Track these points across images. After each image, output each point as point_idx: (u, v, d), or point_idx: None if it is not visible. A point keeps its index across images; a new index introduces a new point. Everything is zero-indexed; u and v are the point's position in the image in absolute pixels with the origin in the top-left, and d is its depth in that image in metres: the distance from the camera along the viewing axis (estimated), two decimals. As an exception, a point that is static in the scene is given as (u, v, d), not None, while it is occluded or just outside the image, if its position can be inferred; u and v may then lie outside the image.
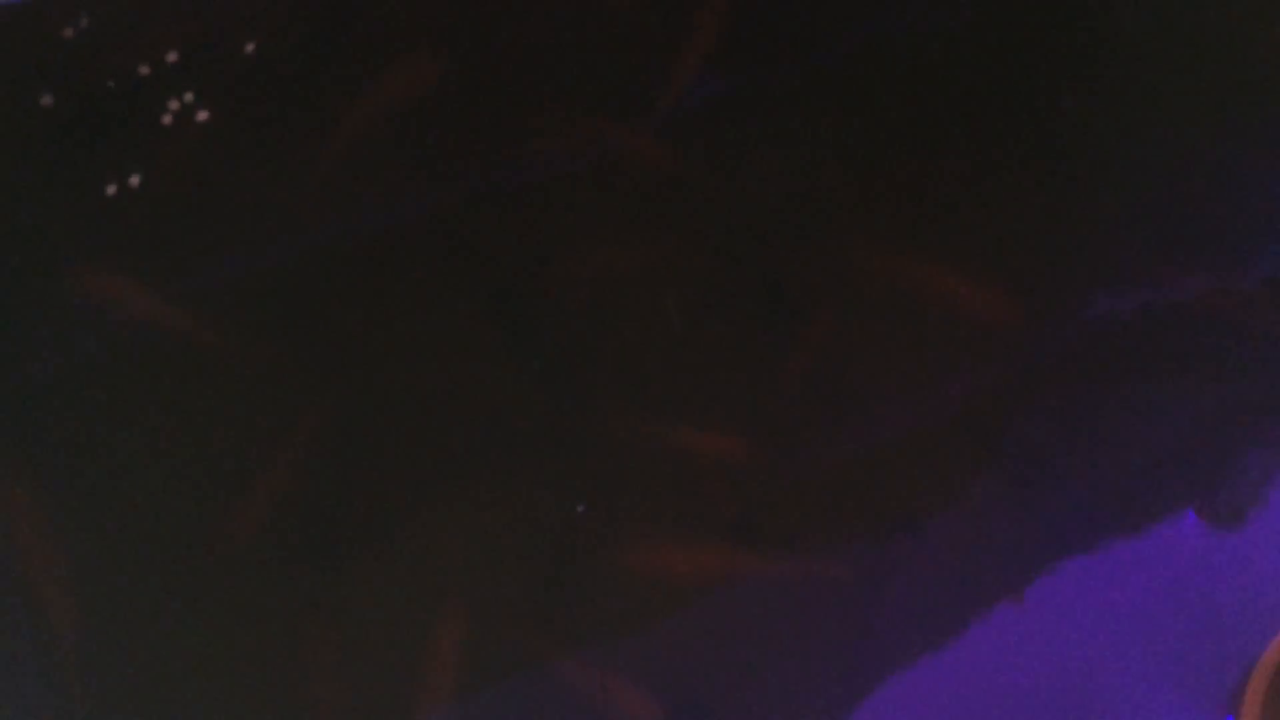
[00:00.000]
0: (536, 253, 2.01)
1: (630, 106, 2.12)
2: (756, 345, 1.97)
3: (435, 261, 2.00)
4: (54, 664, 1.70)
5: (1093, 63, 2.21)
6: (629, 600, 1.78)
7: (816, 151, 2.10)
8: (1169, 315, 2.02)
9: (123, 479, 1.82)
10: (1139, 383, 1.98)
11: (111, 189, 2.02)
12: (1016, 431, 1.92)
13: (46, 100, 2.07)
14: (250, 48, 2.15)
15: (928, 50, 2.19)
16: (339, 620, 1.76)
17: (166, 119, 2.08)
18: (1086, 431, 1.93)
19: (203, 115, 2.09)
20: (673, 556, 1.82)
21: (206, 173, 2.03)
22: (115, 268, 1.96)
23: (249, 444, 1.84)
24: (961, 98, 2.16)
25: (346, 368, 1.91)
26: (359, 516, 1.82)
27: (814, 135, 2.11)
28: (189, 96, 2.10)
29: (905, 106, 2.14)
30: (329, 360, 1.91)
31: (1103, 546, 1.87)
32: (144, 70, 2.11)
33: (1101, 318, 2.01)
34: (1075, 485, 1.90)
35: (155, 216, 2.00)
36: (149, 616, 1.74)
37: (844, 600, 1.81)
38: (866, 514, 1.86)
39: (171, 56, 2.11)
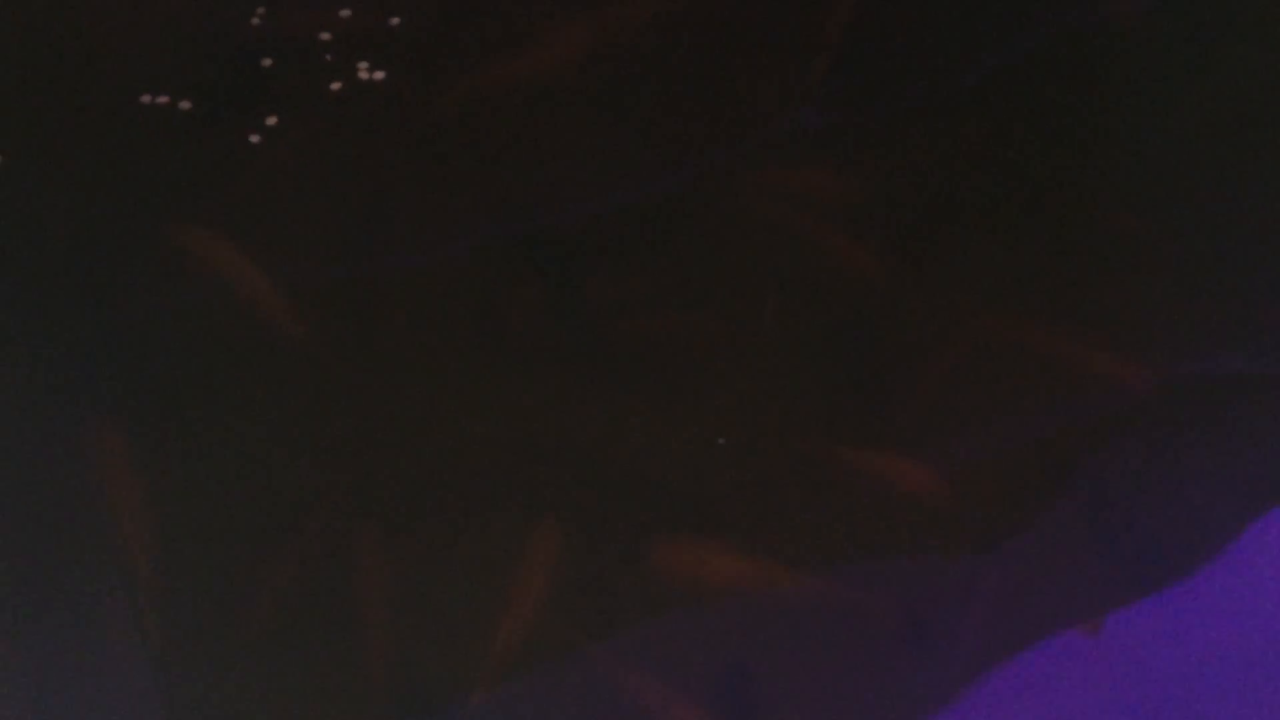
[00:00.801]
0: (634, 266, 2.05)
1: (743, 131, 2.14)
2: (838, 371, 1.97)
3: (535, 271, 2.06)
4: (132, 601, 1.82)
5: (1195, 119, 2.18)
6: (683, 609, 1.81)
7: (913, 189, 2.11)
8: (1259, 369, 1.97)
9: (208, 431, 1.93)
10: (1223, 431, 1.92)
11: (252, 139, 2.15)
12: (1094, 471, 1.88)
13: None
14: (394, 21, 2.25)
15: (1037, 91, 2.18)
16: (405, 583, 1.83)
17: (335, 84, 2.20)
18: (1165, 475, 1.88)
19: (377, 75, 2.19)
20: (725, 570, 1.83)
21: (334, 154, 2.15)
22: (234, 239, 2.08)
23: (318, 426, 1.93)
24: (1057, 143, 2.15)
25: (421, 372, 1.99)
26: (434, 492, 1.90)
27: (914, 172, 2.12)
28: (364, 67, 2.21)
29: (1002, 146, 2.14)
30: (406, 362, 1.99)
31: (1175, 585, 1.81)
32: (323, 36, 2.24)
33: (1189, 366, 1.97)
34: (1150, 526, 1.85)
35: (279, 197, 2.12)
36: (221, 563, 1.84)
37: (911, 623, 1.79)
38: (937, 540, 1.84)
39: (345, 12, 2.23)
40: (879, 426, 1.91)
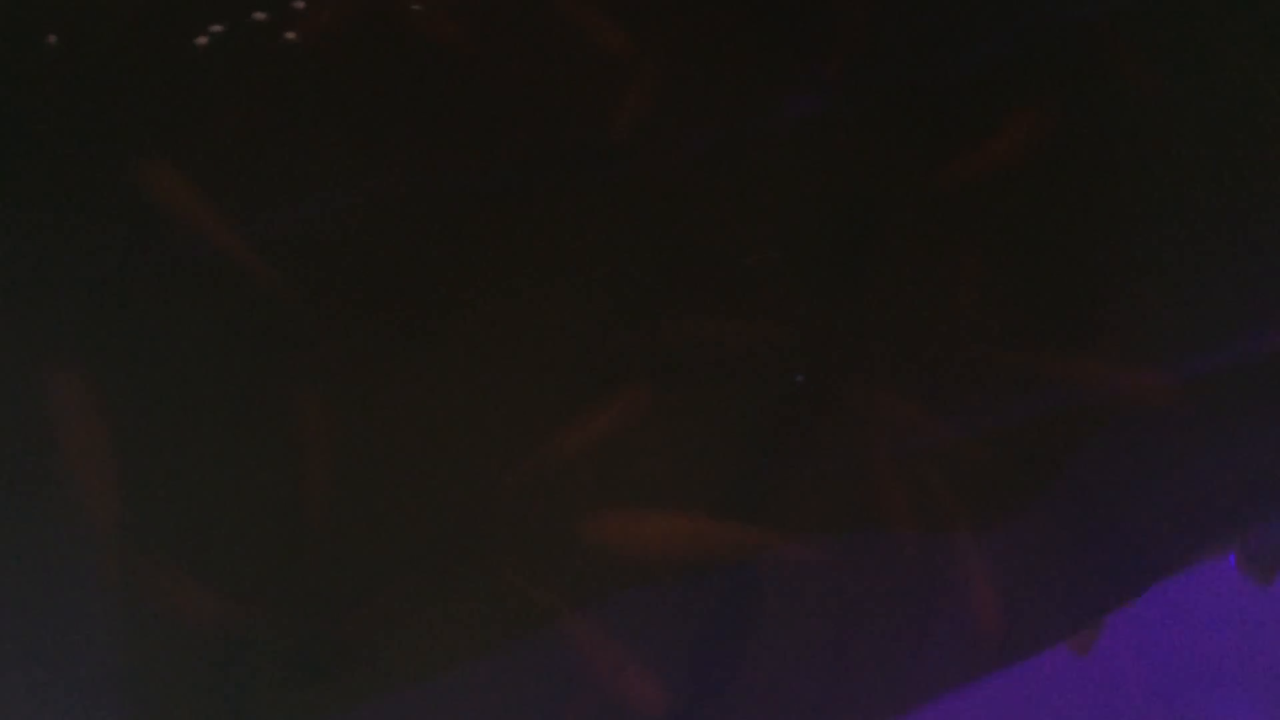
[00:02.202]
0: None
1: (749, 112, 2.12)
2: (827, 351, 1.96)
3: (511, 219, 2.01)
4: (90, 549, 1.76)
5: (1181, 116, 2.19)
6: (642, 575, 1.79)
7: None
8: (1240, 366, 1.99)
9: (171, 382, 1.86)
10: (1207, 430, 1.94)
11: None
12: (1075, 465, 1.89)
13: None
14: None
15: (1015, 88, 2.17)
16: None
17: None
18: (1147, 472, 1.90)
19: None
20: (691, 537, 1.82)
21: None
22: (203, 184, 2.00)
23: (282, 373, 1.87)
24: (1046, 136, 2.15)
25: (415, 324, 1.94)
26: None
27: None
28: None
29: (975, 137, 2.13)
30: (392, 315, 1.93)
31: (1157, 583, 1.83)
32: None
33: (1176, 363, 1.99)
34: (1131, 524, 1.86)
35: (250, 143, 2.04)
36: (186, 507, 1.78)
37: (885, 610, 1.79)
38: (911, 525, 1.84)
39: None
40: (862, 411, 1.92)
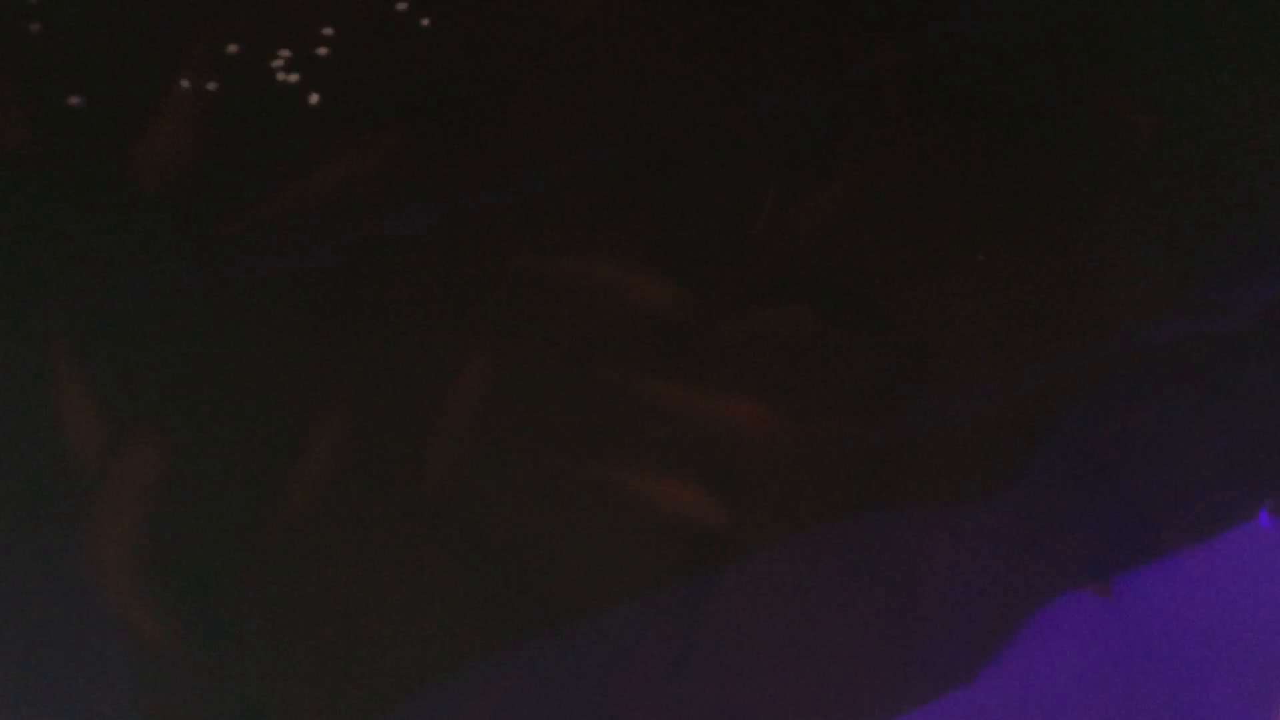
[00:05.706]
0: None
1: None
2: (804, 328, 1.96)
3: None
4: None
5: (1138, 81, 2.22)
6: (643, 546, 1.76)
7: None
8: (1225, 335, 2.00)
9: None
10: (1199, 392, 1.94)
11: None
12: (1070, 433, 1.88)
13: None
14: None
15: (965, 59, 2.21)
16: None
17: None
18: (1144, 438, 1.89)
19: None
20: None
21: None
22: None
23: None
24: (1001, 110, 2.18)
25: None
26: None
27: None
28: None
29: (935, 112, 2.16)
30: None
31: (1159, 551, 1.81)
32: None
33: (1158, 335, 1.99)
34: (1130, 492, 1.85)
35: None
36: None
37: (884, 587, 1.76)
38: (907, 501, 1.82)
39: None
40: (849, 381, 1.91)
